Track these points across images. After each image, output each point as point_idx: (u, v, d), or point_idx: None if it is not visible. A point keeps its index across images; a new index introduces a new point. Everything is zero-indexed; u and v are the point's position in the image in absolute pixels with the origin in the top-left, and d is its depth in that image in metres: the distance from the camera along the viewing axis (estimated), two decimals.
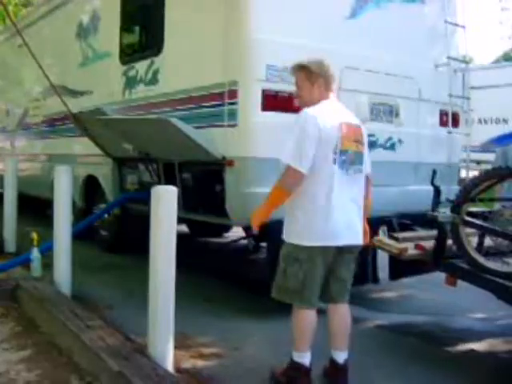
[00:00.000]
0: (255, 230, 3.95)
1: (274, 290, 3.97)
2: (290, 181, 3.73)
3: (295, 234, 3.82)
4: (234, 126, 5.42)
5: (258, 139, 5.42)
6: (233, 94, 5.44)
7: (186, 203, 6.04)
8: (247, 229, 6.86)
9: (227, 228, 9.18)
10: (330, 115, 3.82)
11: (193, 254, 7.95)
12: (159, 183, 6.44)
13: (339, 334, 4.00)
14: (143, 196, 6.53)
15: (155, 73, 6.61)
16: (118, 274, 6.67)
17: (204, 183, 6.09)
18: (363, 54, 5.97)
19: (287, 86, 5.43)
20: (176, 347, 4.12)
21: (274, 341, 4.86)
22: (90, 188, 8.51)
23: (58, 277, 5.78)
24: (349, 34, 5.91)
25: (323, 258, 3.82)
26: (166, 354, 3.99)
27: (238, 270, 7.44)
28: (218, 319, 5.39)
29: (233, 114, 5.45)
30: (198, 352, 4.58)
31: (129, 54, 7.42)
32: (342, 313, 4.03)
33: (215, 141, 5.62)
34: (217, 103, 5.61)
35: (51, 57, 9.54)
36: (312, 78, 3.96)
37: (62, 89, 8.57)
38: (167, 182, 6.16)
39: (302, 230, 3.78)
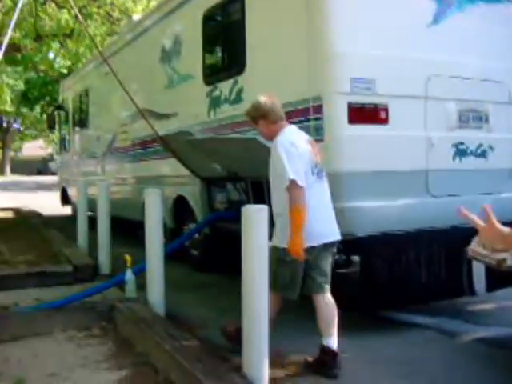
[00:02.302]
0: (303, 258, 4.34)
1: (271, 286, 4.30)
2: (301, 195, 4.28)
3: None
4: (320, 141, 5.38)
5: (345, 153, 5.36)
6: (318, 108, 5.40)
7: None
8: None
9: None
10: (298, 136, 4.57)
11: None
12: (248, 202, 6.46)
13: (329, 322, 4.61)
14: (232, 215, 6.57)
15: (239, 92, 6.66)
16: (210, 293, 6.73)
17: None
18: (449, 60, 5.83)
19: (373, 98, 5.39)
20: (271, 366, 4.09)
21: (370, 359, 4.78)
22: (179, 208, 8.62)
23: (152, 297, 5.88)
24: (433, 41, 5.78)
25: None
26: (262, 374, 3.97)
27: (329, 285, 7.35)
28: (312, 336, 5.31)
29: (319, 129, 5.42)
30: (293, 370, 4.56)
31: (212, 75, 7.50)
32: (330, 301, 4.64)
33: None
34: (302, 119, 5.58)
35: (137, 82, 9.77)
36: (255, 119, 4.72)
37: (148, 112, 8.76)
38: (256, 200, 6.17)
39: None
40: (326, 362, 4.53)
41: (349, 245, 6.21)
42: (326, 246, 4.55)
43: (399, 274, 5.55)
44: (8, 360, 4.85)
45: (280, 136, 4.51)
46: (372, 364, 4.64)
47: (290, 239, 4.29)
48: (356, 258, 6.75)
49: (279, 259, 4.42)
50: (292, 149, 4.35)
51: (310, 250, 4.40)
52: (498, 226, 2.21)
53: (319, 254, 4.52)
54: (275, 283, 4.40)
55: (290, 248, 4.30)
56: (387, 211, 5.44)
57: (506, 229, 2.21)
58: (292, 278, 4.49)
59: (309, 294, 4.60)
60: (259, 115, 4.65)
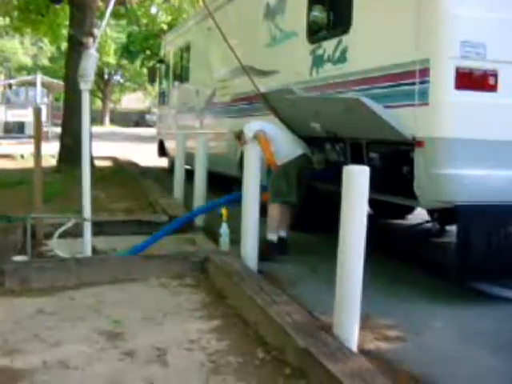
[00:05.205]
0: (275, 165, 6.74)
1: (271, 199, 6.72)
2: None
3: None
4: (425, 105, 5.25)
5: (450, 119, 5.21)
6: (424, 72, 5.25)
7: (372, 183, 5.97)
8: (432, 211, 6.69)
9: (411, 210, 9.00)
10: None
11: (376, 234, 7.86)
12: (346, 163, 6.41)
13: None
14: (329, 175, 6.56)
15: (343, 51, 6.53)
16: (301, 252, 6.76)
17: (391, 164, 5.99)
18: None
19: (483, 63, 5.20)
20: (360, 327, 4.09)
21: (458, 328, 4.73)
22: None
23: (245, 252, 5.93)
24: None
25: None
26: (351, 334, 3.95)
27: (422, 253, 7.26)
28: (401, 301, 5.31)
29: (424, 93, 5.27)
30: (381, 334, 4.55)
31: (316, 33, 7.38)
32: None
33: (405, 121, 5.48)
34: (407, 82, 5.46)
35: (238, 38, 9.72)
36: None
37: (249, 69, 8.75)
38: (354, 162, 6.12)
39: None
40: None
41: (444, 214, 6.12)
42: (294, 161, 6.78)
43: (496, 246, 5.40)
44: (104, 301, 5.03)
45: None
46: (462, 335, 4.58)
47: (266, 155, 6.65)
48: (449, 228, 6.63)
49: (274, 175, 6.70)
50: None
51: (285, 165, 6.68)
52: None
53: (290, 166, 6.73)
54: (275, 193, 6.59)
55: (269, 162, 6.70)
56: (490, 181, 5.28)
57: None
58: (287, 184, 6.58)
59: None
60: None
